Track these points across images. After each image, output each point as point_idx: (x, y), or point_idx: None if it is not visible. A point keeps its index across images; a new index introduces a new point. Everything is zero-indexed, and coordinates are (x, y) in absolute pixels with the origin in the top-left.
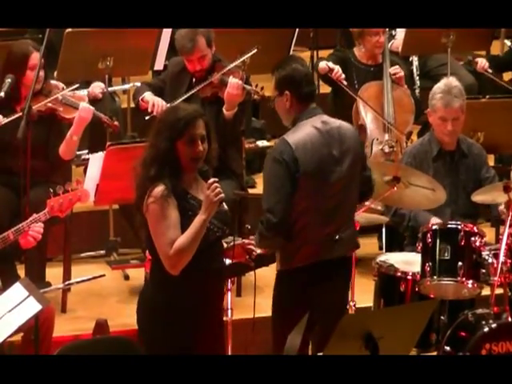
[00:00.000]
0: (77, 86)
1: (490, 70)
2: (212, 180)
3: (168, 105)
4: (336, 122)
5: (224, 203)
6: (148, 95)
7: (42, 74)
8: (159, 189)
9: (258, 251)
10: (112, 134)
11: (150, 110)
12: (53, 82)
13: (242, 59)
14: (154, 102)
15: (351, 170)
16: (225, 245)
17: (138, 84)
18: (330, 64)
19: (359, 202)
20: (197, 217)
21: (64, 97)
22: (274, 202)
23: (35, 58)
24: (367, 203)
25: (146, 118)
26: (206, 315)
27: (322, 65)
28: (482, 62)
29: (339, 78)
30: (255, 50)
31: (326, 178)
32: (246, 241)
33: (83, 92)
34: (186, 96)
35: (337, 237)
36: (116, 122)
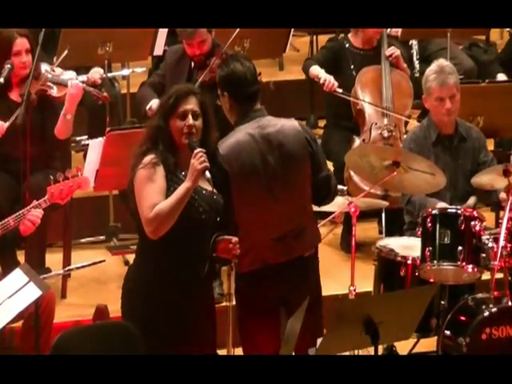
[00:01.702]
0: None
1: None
2: (198, 150)
3: None
4: (277, 125)
5: (215, 190)
6: (155, 104)
7: (29, 58)
8: (149, 157)
9: (239, 251)
10: (112, 121)
11: None
12: (42, 65)
13: None
14: None
15: (296, 174)
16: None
17: (138, 70)
18: (321, 74)
19: (318, 205)
20: (182, 184)
21: (53, 75)
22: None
23: (19, 44)
24: (366, 188)
25: None
26: (185, 298)
27: (313, 72)
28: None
29: (332, 89)
30: None
31: (262, 186)
32: (234, 239)
33: (82, 78)
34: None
35: (285, 241)
36: (105, 94)
